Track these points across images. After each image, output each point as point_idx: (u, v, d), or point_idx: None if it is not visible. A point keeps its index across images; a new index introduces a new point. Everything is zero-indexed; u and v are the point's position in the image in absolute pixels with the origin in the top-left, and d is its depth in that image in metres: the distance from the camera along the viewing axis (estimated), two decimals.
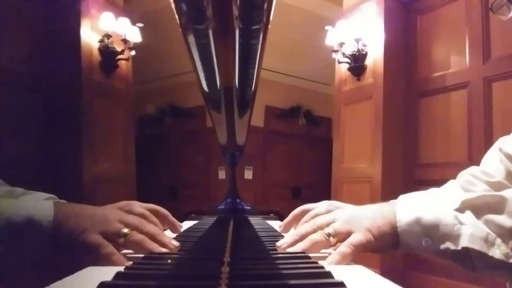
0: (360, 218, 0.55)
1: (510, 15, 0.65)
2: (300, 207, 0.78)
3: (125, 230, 0.51)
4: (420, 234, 0.52)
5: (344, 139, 3.12)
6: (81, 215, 0.52)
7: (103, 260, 0.46)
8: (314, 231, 0.55)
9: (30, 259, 0.51)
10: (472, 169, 0.77)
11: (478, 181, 0.73)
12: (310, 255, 0.50)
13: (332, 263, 0.49)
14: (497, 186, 0.71)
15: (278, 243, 0.53)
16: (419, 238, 0.52)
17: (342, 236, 0.53)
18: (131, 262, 0.43)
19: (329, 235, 0.53)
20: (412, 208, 0.54)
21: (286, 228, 0.76)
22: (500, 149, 0.73)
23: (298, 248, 0.51)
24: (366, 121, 2.90)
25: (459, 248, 0.50)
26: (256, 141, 4.59)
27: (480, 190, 0.72)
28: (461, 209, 0.51)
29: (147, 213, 0.68)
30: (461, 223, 0.50)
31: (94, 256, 0.47)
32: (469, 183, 0.74)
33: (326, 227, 0.55)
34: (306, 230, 0.55)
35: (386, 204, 0.58)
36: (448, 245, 0.51)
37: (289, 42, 3.92)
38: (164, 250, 0.50)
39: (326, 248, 0.53)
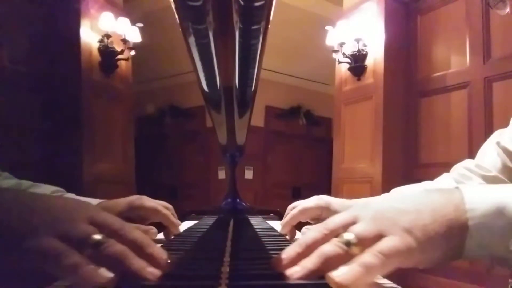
0: (394, 213, 0.35)
1: (507, 11, 0.64)
2: (290, 205, 0.75)
3: (98, 237, 0.33)
4: (504, 231, 0.33)
5: (344, 139, 3.12)
6: (30, 207, 0.34)
7: (66, 275, 0.31)
8: (325, 238, 0.36)
9: None
10: (467, 162, 0.76)
11: (473, 174, 0.73)
12: None
13: (346, 280, 0.31)
14: (493, 180, 0.71)
15: (275, 260, 0.36)
16: (501, 239, 0.33)
17: (368, 243, 0.34)
18: (110, 276, 0.30)
19: (348, 243, 0.34)
20: (488, 192, 0.35)
21: (287, 229, 0.72)
22: (498, 143, 0.72)
23: (303, 268, 0.34)
24: (367, 121, 2.90)
25: None
26: (256, 141, 4.58)
27: (475, 184, 0.71)
28: None
29: (160, 207, 0.68)
30: None
31: (49, 271, 0.31)
32: (463, 176, 0.74)
33: (343, 232, 0.36)
34: (313, 237, 0.36)
35: (435, 191, 0.38)
36: None
37: (289, 42, 3.91)
38: (154, 271, 0.33)
39: (346, 262, 0.33)
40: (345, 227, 0.36)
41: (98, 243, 0.33)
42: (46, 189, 0.74)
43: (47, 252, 0.31)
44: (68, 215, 0.35)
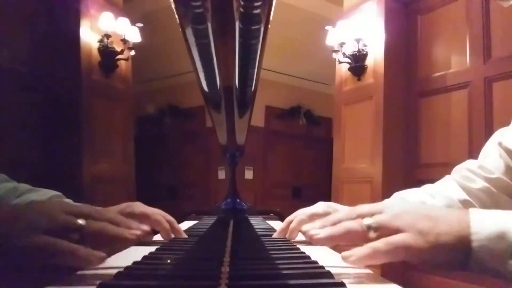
0: (415, 216, 0.42)
1: (511, 2, 0.63)
2: (295, 212, 0.73)
3: (79, 221, 0.39)
4: (504, 253, 0.38)
5: (344, 139, 3.12)
6: (8, 214, 0.38)
7: (65, 261, 0.36)
8: (351, 220, 0.44)
9: None
10: (469, 164, 0.74)
11: (477, 177, 0.71)
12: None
13: (355, 258, 0.40)
14: (496, 182, 0.69)
15: (304, 227, 0.43)
16: (501, 260, 0.38)
17: (386, 233, 0.41)
18: (103, 254, 0.38)
19: (369, 227, 0.42)
20: (493, 218, 0.40)
21: (281, 235, 0.71)
22: (500, 143, 0.70)
23: (324, 231, 0.42)
24: (367, 121, 2.90)
25: None
26: (256, 141, 4.58)
27: (478, 186, 0.70)
28: None
29: (150, 212, 0.67)
30: None
31: (47, 264, 0.35)
32: (467, 179, 0.72)
33: (368, 217, 0.43)
34: (340, 216, 0.45)
35: (457, 210, 0.45)
36: None
37: (289, 42, 3.91)
38: (131, 236, 0.39)
39: (362, 241, 0.42)
40: (371, 214, 0.43)
41: (79, 226, 0.39)
42: (45, 193, 0.73)
43: (41, 247, 0.35)
44: (48, 212, 0.40)
